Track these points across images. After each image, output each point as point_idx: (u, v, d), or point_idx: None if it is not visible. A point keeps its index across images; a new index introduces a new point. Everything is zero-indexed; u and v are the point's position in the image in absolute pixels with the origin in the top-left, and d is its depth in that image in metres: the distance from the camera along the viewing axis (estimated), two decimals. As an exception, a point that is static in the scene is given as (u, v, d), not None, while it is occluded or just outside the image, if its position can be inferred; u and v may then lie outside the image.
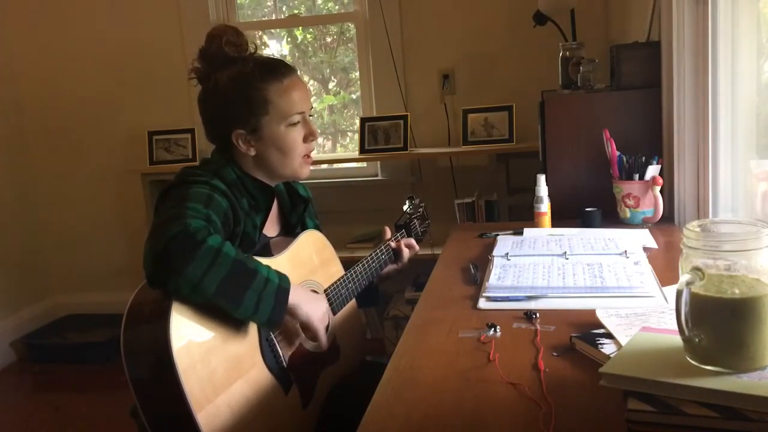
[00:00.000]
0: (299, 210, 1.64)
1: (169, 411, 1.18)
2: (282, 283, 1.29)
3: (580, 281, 1.41)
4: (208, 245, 1.19)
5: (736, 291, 0.87)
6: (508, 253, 1.64)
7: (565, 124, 2.12)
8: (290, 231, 1.63)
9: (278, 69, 1.47)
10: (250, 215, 1.44)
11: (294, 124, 1.48)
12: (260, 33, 3.60)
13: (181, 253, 1.16)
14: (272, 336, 1.38)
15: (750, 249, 0.88)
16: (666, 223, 1.91)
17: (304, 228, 1.65)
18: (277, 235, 1.59)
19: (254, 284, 1.23)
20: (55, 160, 3.76)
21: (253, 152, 1.47)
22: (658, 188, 1.86)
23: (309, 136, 1.51)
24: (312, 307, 1.37)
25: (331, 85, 3.73)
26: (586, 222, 1.92)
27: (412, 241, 1.82)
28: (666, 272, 1.46)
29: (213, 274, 1.18)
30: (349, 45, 3.62)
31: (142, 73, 3.58)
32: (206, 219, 1.26)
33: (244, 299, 1.22)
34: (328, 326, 1.45)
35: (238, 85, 1.43)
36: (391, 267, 1.77)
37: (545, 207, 1.90)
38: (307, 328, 1.40)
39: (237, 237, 1.40)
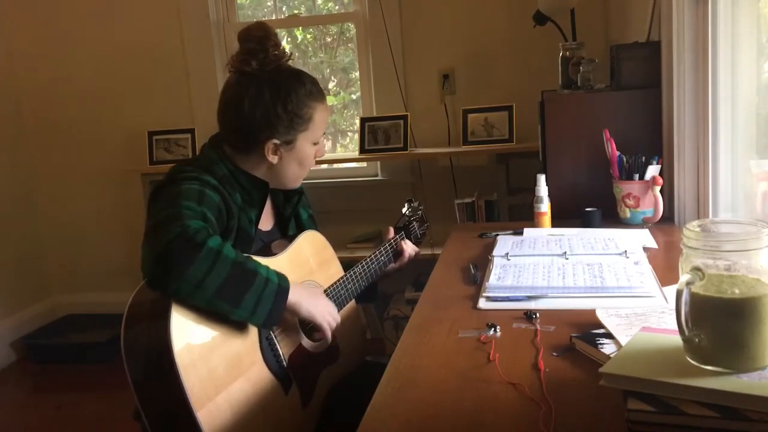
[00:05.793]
0: (293, 201, 1.65)
1: (169, 409, 1.18)
2: (281, 283, 1.29)
3: (580, 281, 1.41)
4: (208, 247, 1.19)
5: (736, 291, 0.87)
6: (508, 253, 1.64)
7: (565, 124, 2.12)
8: (284, 224, 1.64)
9: (320, 88, 1.52)
10: (244, 210, 1.44)
11: (317, 143, 1.53)
12: (260, 33, 3.60)
13: (181, 256, 1.17)
14: (272, 335, 1.38)
15: (750, 249, 0.88)
16: (666, 223, 1.91)
17: (298, 219, 1.66)
18: (272, 229, 1.60)
19: (254, 285, 1.24)
20: (55, 160, 3.76)
21: (275, 161, 1.48)
22: (658, 188, 1.86)
23: (317, 154, 1.56)
24: (313, 303, 1.37)
25: (331, 85, 3.73)
26: (586, 222, 1.92)
27: (414, 246, 1.83)
28: (666, 272, 1.46)
29: (213, 276, 1.18)
30: (349, 45, 3.62)
31: (142, 73, 3.58)
32: (203, 218, 1.27)
33: (243, 301, 1.22)
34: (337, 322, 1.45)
35: (293, 99, 1.45)
36: (390, 266, 1.78)
37: (545, 207, 1.90)
38: (312, 324, 1.40)
39: (231, 231, 1.40)
